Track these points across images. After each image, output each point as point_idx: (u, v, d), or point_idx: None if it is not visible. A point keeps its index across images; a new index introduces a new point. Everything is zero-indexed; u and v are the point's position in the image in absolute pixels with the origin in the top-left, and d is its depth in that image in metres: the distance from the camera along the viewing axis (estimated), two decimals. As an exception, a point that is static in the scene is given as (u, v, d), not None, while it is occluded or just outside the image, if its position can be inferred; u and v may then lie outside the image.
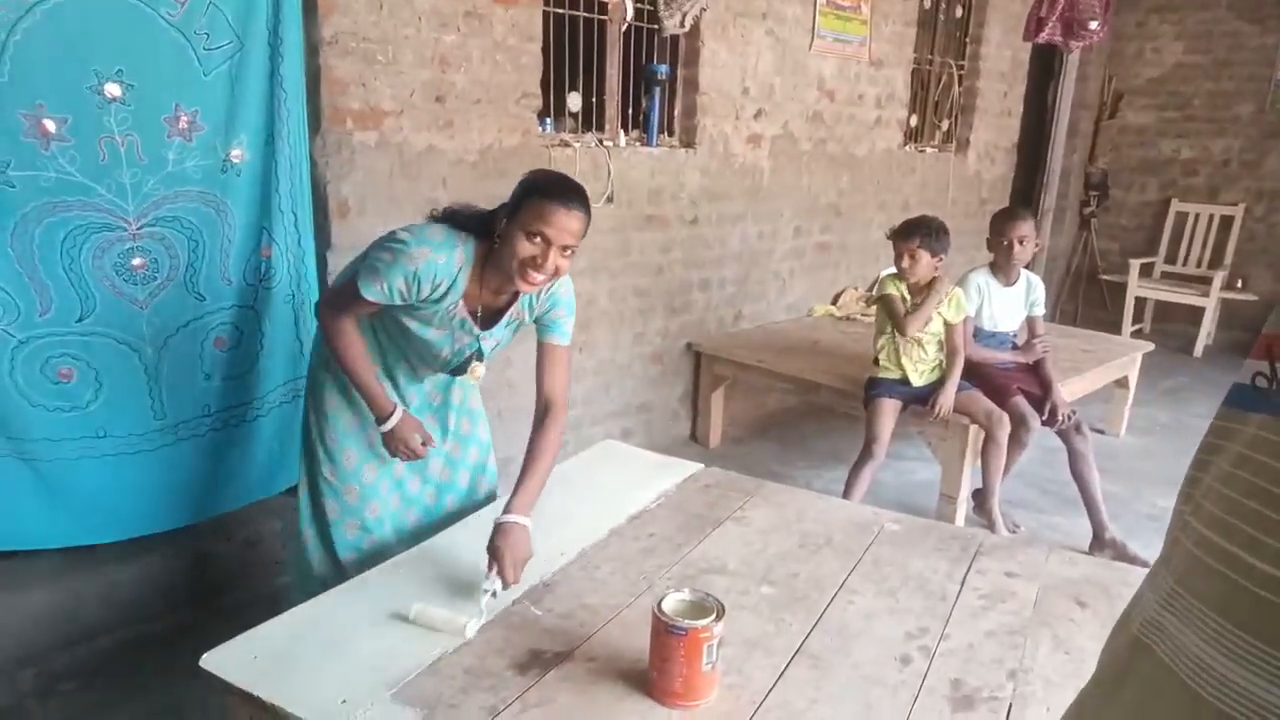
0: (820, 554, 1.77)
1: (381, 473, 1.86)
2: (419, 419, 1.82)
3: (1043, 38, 4.24)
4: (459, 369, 1.80)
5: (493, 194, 2.87)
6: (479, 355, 1.77)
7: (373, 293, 1.59)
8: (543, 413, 1.76)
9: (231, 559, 2.46)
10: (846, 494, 2.91)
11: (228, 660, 1.30)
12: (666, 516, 1.92)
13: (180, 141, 2.14)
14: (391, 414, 1.73)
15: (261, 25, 2.22)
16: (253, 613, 1.43)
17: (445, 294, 1.63)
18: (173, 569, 2.34)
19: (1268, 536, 0.46)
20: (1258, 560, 0.46)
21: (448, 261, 1.59)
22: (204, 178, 2.20)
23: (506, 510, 1.61)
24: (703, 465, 2.23)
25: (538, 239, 1.54)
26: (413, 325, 1.71)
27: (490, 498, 2.00)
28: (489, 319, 1.73)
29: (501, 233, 1.59)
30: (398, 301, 1.61)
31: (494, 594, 1.49)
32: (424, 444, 1.78)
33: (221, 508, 2.41)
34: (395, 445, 1.75)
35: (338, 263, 2.49)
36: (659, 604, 1.29)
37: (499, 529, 1.57)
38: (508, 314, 1.73)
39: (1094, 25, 4.09)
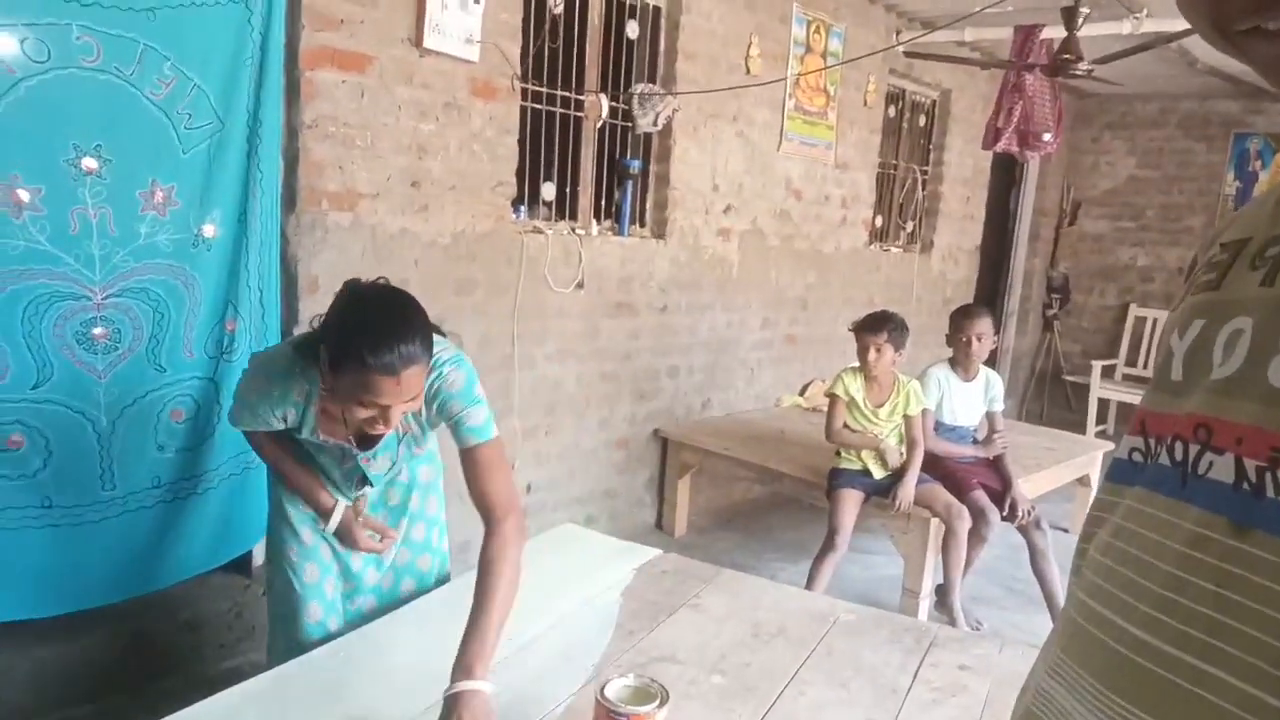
0: (773, 643, 1.75)
1: (322, 570, 1.75)
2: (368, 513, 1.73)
3: (1000, 147, 4.46)
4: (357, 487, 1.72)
5: (463, 276, 2.93)
6: (365, 480, 1.69)
7: (242, 421, 1.59)
8: (486, 522, 1.50)
9: (172, 640, 2.37)
10: (809, 585, 2.89)
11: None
12: (621, 604, 1.89)
13: (154, 215, 2.17)
14: (331, 509, 1.66)
15: (242, 107, 2.29)
16: (194, 698, 1.36)
17: (299, 423, 1.56)
18: (107, 649, 2.25)
19: (1138, 601, 0.48)
20: (1129, 624, 0.48)
21: (282, 395, 1.52)
22: (174, 251, 2.23)
23: (455, 674, 1.29)
24: (661, 551, 2.21)
25: (372, 407, 1.40)
26: (307, 447, 1.66)
27: (441, 580, 1.93)
28: (371, 439, 1.60)
29: (326, 381, 1.44)
30: (276, 427, 1.57)
31: None
32: (382, 539, 1.70)
33: (165, 580, 2.34)
34: (347, 542, 1.68)
35: (303, 339, 2.51)
36: (602, 689, 1.26)
37: (453, 703, 1.25)
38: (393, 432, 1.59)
39: (1047, 137, 4.31)
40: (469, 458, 1.54)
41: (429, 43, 2.65)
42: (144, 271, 2.18)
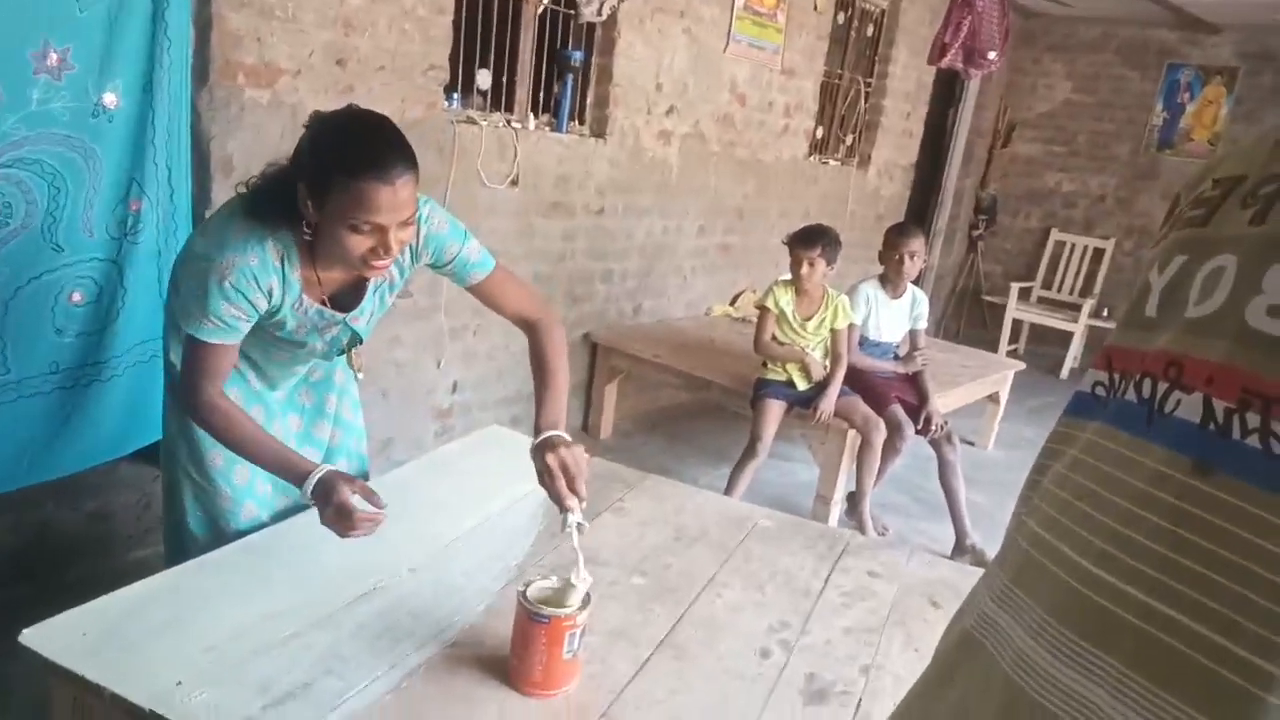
0: (694, 547, 1.79)
1: (254, 470, 1.59)
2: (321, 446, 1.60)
3: (945, 63, 4.43)
4: (340, 353, 1.64)
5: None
6: (356, 339, 1.60)
7: (214, 334, 1.34)
8: (529, 331, 1.62)
9: (77, 531, 2.31)
10: (728, 490, 2.97)
11: (52, 636, 1.21)
12: (545, 505, 1.90)
13: (47, 79, 1.98)
14: (310, 474, 1.38)
15: (147, -35, 2.08)
16: (99, 590, 1.32)
17: (282, 296, 1.40)
18: (8, 538, 2.18)
19: (1094, 536, 0.48)
20: (1083, 559, 0.48)
21: (261, 261, 1.34)
22: (71, 120, 2.04)
23: (543, 428, 1.43)
24: (589, 456, 2.22)
25: (366, 228, 1.28)
26: (272, 333, 1.48)
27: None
28: (347, 299, 1.50)
29: (310, 220, 1.31)
30: (244, 329, 1.39)
31: (579, 527, 1.35)
32: (370, 513, 1.39)
33: (66, 468, 2.24)
34: (331, 519, 1.37)
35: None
36: (523, 591, 1.27)
37: (549, 443, 1.38)
38: (370, 285, 1.52)
39: (992, 55, 4.30)
40: (488, 287, 1.60)
41: (357, -95, 2.44)
42: (37, 141, 2.00)
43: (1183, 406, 0.47)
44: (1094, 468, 0.51)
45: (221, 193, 2.41)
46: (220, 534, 1.60)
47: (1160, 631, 0.43)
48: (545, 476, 1.40)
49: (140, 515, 2.44)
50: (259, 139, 2.46)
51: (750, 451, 3.01)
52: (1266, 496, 0.41)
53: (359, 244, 1.30)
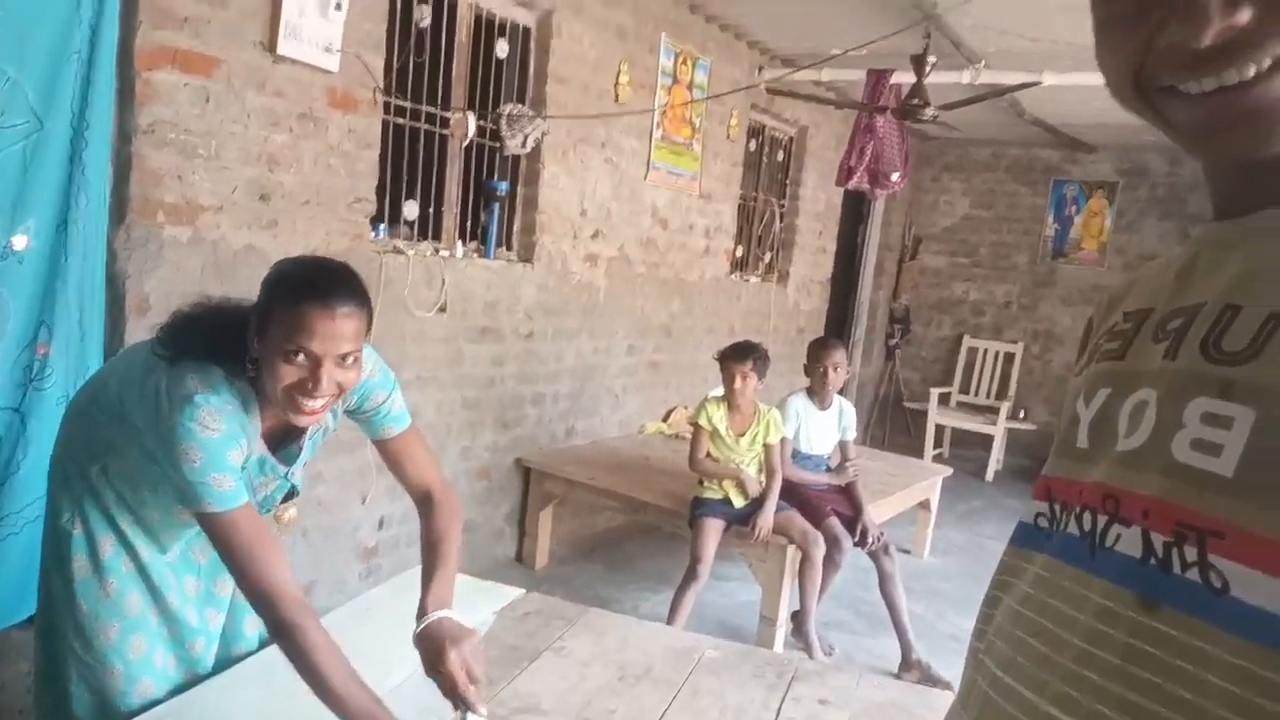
0: (639, 686, 1.72)
1: (152, 640, 1.45)
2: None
3: (852, 185, 4.69)
4: (269, 510, 1.52)
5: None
6: (292, 494, 1.51)
7: (238, 496, 1.24)
8: (424, 502, 1.55)
9: (-39, 705, 2.08)
10: (671, 618, 2.89)
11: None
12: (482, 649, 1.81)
13: (-48, 222, 1.92)
14: None
15: (66, 106, 2.07)
16: None
17: (249, 444, 1.33)
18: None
19: (1050, 676, 0.48)
20: (1042, 701, 0.48)
21: (234, 408, 1.28)
22: (-23, 263, 1.98)
23: (430, 609, 1.37)
24: (524, 590, 2.14)
25: (299, 357, 1.21)
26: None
27: (265, 642, 1.65)
28: (287, 448, 1.43)
29: (254, 354, 1.26)
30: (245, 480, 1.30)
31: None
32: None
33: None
34: None
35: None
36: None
37: (437, 626, 1.32)
38: (306, 434, 1.45)
39: (895, 177, 4.58)
40: (398, 445, 1.54)
41: (284, 49, 2.49)
42: (-61, 284, 1.92)
43: (1123, 541, 0.47)
44: (1044, 604, 0.51)
45: (135, 333, 2.33)
46: (110, 713, 1.42)
47: None
48: (441, 670, 1.31)
49: (32, 686, 2.22)
50: (178, 276, 2.41)
51: (691, 574, 2.96)
52: (1215, 633, 0.42)
53: (289, 374, 1.23)
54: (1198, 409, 0.46)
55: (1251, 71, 0.44)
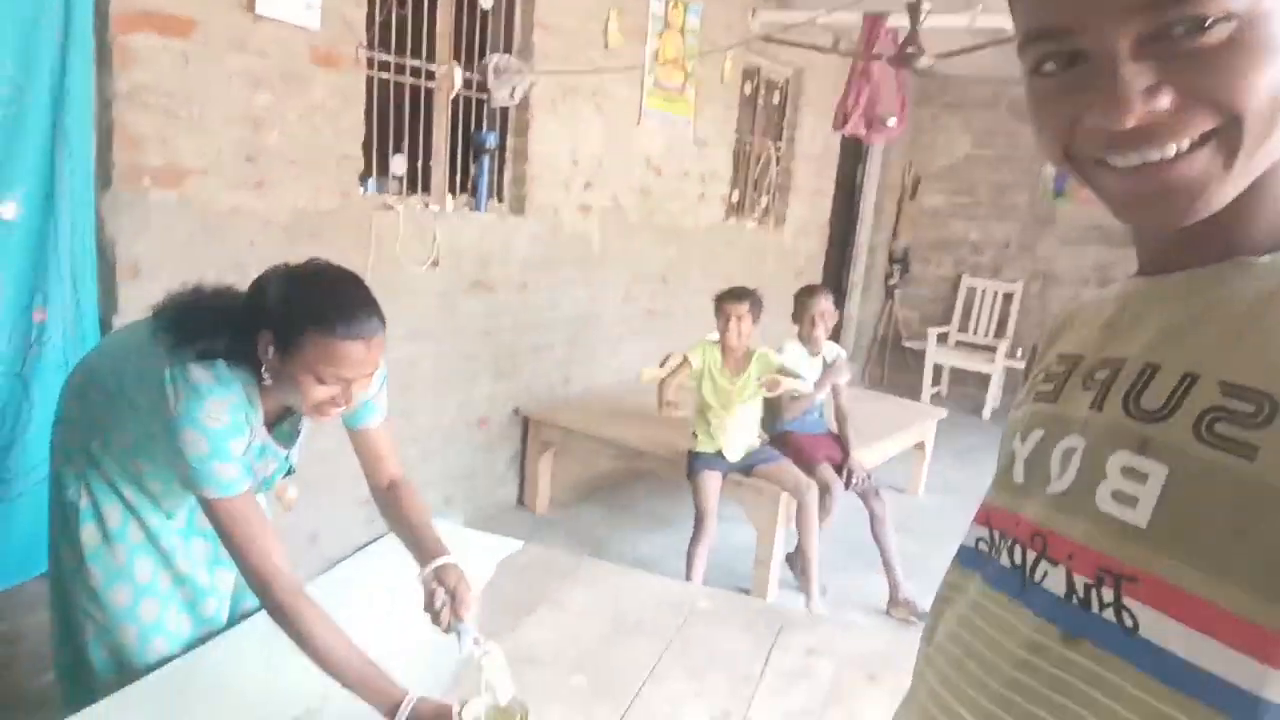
0: (633, 637, 1.78)
1: (164, 602, 1.52)
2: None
3: (848, 130, 4.63)
4: (268, 487, 1.59)
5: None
6: (289, 472, 1.58)
7: (239, 484, 1.30)
8: (393, 489, 1.64)
9: (-18, 660, 2.16)
10: (688, 574, 2.98)
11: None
12: (481, 603, 1.87)
13: (-61, 193, 1.93)
14: (400, 703, 1.28)
15: (45, 75, 2.05)
16: (12, 719, 1.23)
17: (251, 435, 1.39)
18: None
19: (980, 696, 0.51)
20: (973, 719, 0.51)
21: (239, 400, 1.34)
22: (-34, 234, 1.98)
23: (430, 556, 1.47)
24: (523, 543, 2.20)
25: (332, 381, 1.30)
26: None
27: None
28: (286, 429, 1.50)
29: (271, 366, 1.31)
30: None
31: (476, 643, 1.36)
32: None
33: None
34: None
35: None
36: (460, 710, 1.25)
37: (440, 572, 1.43)
38: (303, 416, 1.50)
39: (891, 122, 4.52)
40: (372, 436, 1.61)
41: (262, 8, 2.45)
42: (-70, 257, 1.93)
43: (1049, 579, 0.51)
44: (979, 629, 0.55)
45: (129, 297, 2.35)
46: (128, 669, 1.49)
47: None
48: (433, 599, 1.42)
49: (50, 645, 2.30)
50: (167, 239, 2.41)
51: (700, 529, 3.02)
52: (1129, 669, 0.45)
53: (321, 394, 1.31)
54: (1118, 462, 0.49)
55: (1173, 151, 0.47)
